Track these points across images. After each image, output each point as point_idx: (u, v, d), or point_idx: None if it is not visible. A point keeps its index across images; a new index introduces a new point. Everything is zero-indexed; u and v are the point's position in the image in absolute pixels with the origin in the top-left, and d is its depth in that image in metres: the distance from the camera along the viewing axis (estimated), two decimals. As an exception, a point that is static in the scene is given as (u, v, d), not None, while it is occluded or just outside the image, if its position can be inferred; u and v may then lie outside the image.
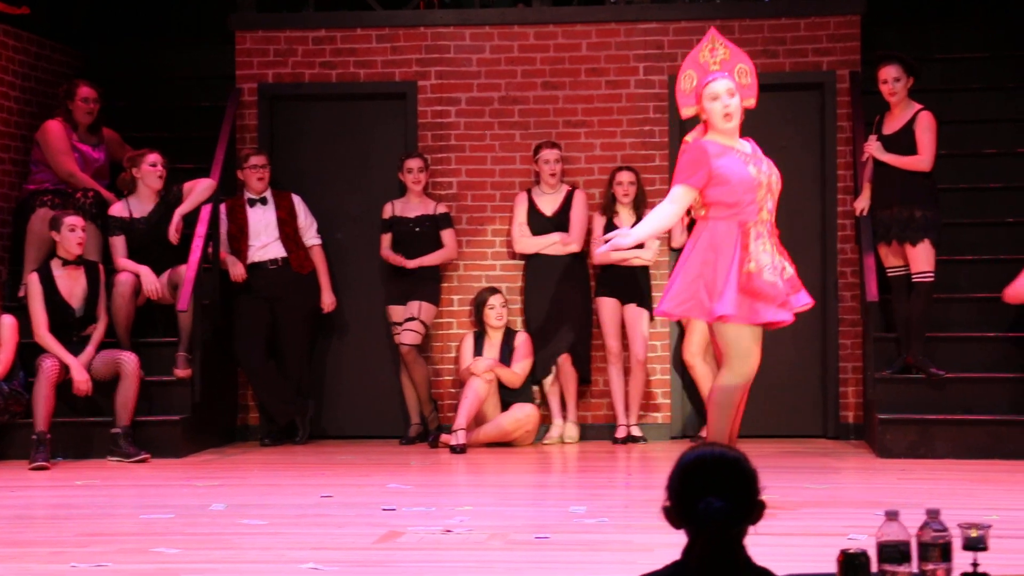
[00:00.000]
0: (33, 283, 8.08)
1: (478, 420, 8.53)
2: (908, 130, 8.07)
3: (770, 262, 5.86)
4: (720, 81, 5.96)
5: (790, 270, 6.01)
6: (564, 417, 8.86)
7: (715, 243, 5.85)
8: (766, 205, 5.91)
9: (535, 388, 8.88)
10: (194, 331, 8.33)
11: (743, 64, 6.13)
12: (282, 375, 8.84)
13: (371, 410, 9.23)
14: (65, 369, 7.99)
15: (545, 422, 8.87)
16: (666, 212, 5.96)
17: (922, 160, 8.02)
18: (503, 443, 8.53)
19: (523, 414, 8.56)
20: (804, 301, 6.07)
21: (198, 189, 8.54)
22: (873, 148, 8.12)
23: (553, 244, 8.77)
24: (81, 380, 7.95)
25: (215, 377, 8.69)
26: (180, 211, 8.48)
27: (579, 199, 8.85)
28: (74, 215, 8.19)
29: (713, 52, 6.13)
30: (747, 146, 6.05)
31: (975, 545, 3.39)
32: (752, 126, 8.98)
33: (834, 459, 7.97)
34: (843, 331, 8.89)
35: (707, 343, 8.63)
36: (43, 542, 5.21)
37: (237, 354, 8.85)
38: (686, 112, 6.14)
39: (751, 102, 6.12)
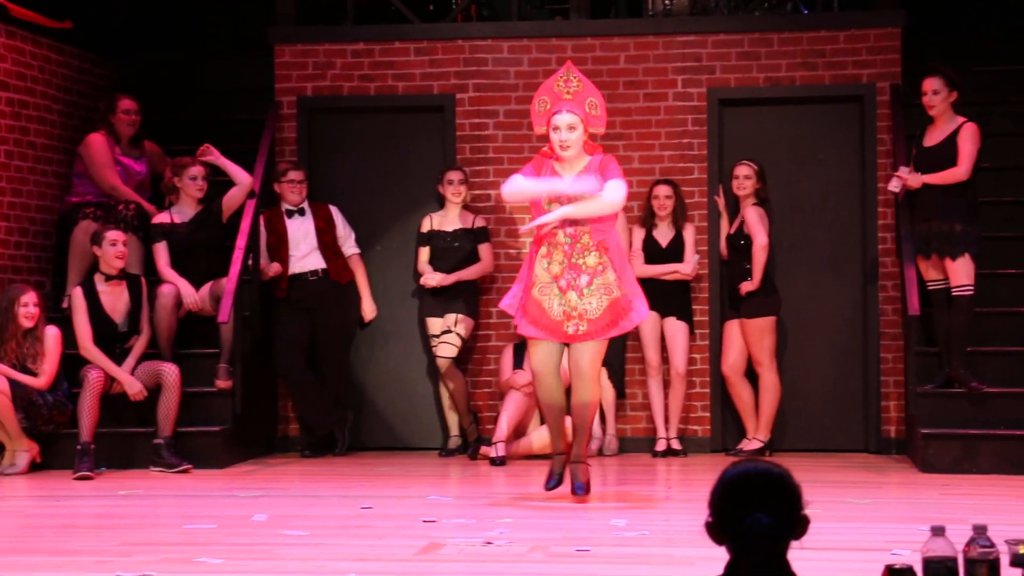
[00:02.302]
0: (77, 297, 8.15)
1: (517, 433, 8.54)
2: (951, 142, 8.02)
3: (549, 280, 6.44)
4: (563, 115, 6.54)
5: (592, 302, 6.42)
6: (603, 430, 8.86)
7: (527, 255, 6.69)
8: (564, 229, 6.45)
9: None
10: (235, 343, 8.38)
11: (594, 98, 6.67)
12: (321, 386, 8.87)
13: (410, 422, 9.25)
14: (110, 380, 8.05)
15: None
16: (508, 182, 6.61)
17: (959, 170, 7.96)
18: (543, 456, 8.53)
19: (562, 427, 8.56)
20: (592, 331, 6.46)
21: (239, 176, 8.68)
22: (908, 179, 8.05)
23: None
24: (134, 391, 8.02)
25: (255, 388, 8.73)
26: (217, 159, 8.63)
27: (618, 218, 8.82)
28: (115, 230, 8.26)
29: (567, 83, 6.68)
30: (578, 168, 6.54)
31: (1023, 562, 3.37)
32: (792, 139, 9.05)
33: (876, 474, 7.93)
34: (884, 345, 8.84)
35: (745, 357, 8.63)
36: (88, 551, 5.25)
37: (277, 365, 8.89)
38: (539, 130, 6.74)
39: (600, 130, 6.73)
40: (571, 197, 6.44)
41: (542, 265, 6.50)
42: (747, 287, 8.50)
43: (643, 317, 6.68)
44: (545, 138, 6.67)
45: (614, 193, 6.43)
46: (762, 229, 8.51)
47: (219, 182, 8.85)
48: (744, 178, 8.62)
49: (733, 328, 8.67)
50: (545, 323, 6.45)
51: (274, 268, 8.76)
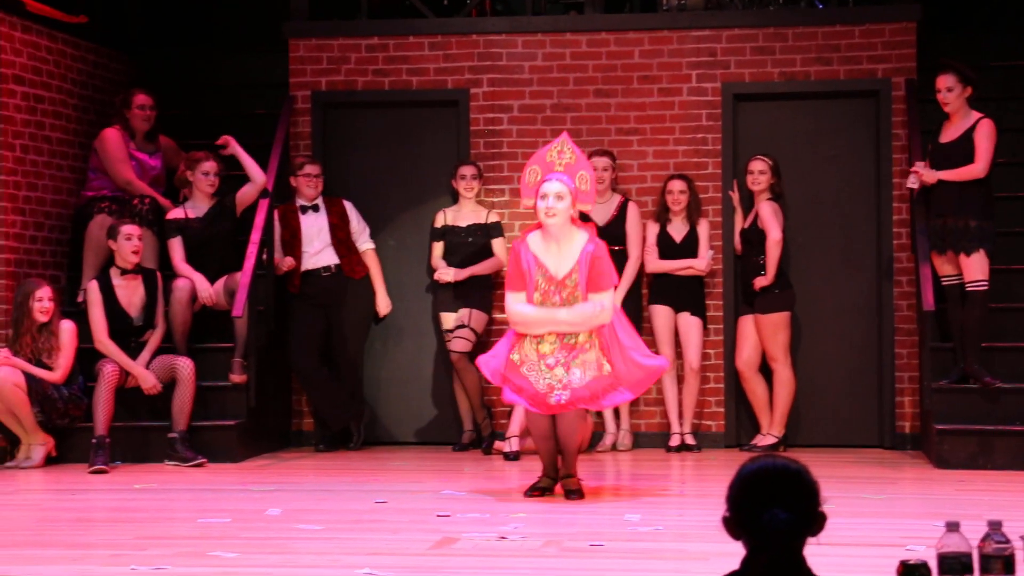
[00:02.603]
0: (93, 291, 8.17)
1: (531, 427, 8.53)
2: (967, 138, 8.00)
3: (536, 359, 6.43)
4: (552, 183, 6.44)
5: (576, 373, 6.39)
6: (617, 425, 8.86)
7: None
8: (548, 304, 6.46)
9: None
10: (249, 337, 8.39)
11: (585, 172, 6.56)
12: (336, 381, 8.88)
13: (424, 416, 9.26)
14: (125, 374, 8.07)
15: (598, 430, 8.86)
16: (512, 314, 6.57)
17: (976, 168, 7.94)
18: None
19: (576, 422, 8.55)
20: (573, 401, 6.44)
21: (254, 173, 8.67)
22: (924, 175, 8.03)
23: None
24: (149, 385, 8.04)
25: (270, 382, 8.75)
26: (236, 152, 8.65)
27: (632, 213, 8.81)
28: (130, 224, 8.28)
29: (560, 154, 6.59)
30: (577, 240, 6.48)
31: (1039, 557, 3.36)
32: (806, 134, 9.03)
33: (891, 469, 7.92)
34: (899, 340, 8.82)
35: (759, 353, 8.62)
36: (102, 545, 5.27)
37: (291, 360, 8.90)
38: (526, 203, 6.65)
39: (588, 207, 6.69)
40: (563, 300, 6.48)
41: (532, 344, 6.49)
42: (761, 282, 8.49)
43: (631, 397, 6.74)
44: (532, 210, 6.61)
45: (600, 319, 6.45)
46: (776, 224, 8.50)
47: (233, 177, 8.87)
48: (759, 173, 8.60)
49: (747, 323, 8.66)
50: (530, 393, 6.47)
51: (287, 262, 8.77)
